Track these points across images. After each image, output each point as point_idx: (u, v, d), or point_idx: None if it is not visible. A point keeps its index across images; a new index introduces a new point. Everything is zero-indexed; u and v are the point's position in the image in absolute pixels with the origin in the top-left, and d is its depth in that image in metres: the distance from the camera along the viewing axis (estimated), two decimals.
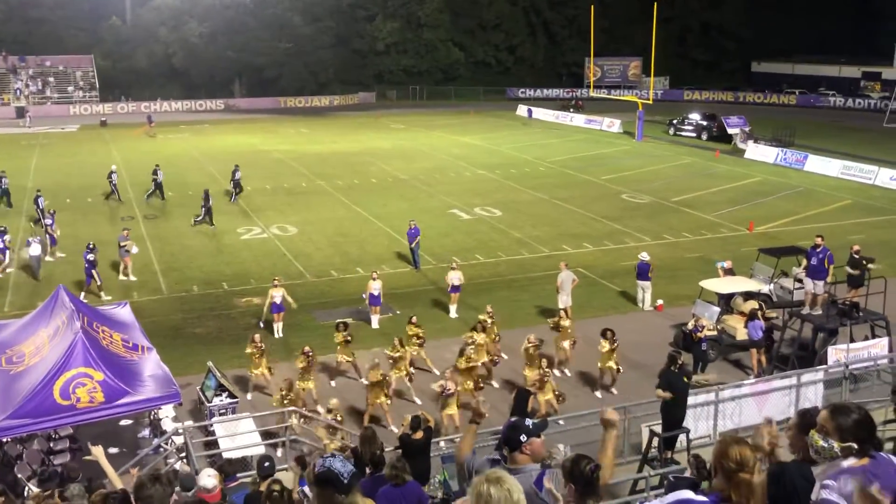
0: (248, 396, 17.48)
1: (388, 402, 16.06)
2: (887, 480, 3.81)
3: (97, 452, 6.51)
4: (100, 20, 76.72)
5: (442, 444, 13.83)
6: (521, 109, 71.98)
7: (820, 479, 3.98)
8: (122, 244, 25.17)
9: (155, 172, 35.75)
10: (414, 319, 18.90)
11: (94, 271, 23.72)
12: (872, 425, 4.08)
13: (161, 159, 46.17)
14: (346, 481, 4.16)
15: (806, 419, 4.61)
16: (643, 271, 22.69)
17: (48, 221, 27.94)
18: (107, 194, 35.93)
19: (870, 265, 20.40)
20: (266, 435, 14.80)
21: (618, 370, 17.66)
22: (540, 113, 69.17)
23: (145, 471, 5.53)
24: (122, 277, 25.33)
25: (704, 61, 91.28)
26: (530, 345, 16.95)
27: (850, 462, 3.85)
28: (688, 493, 4.05)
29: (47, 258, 26.58)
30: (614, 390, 17.72)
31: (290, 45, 76.66)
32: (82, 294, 23.07)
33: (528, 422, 4.86)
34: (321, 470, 4.29)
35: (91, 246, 23.87)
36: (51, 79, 72.64)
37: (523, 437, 4.69)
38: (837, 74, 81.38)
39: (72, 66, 74.07)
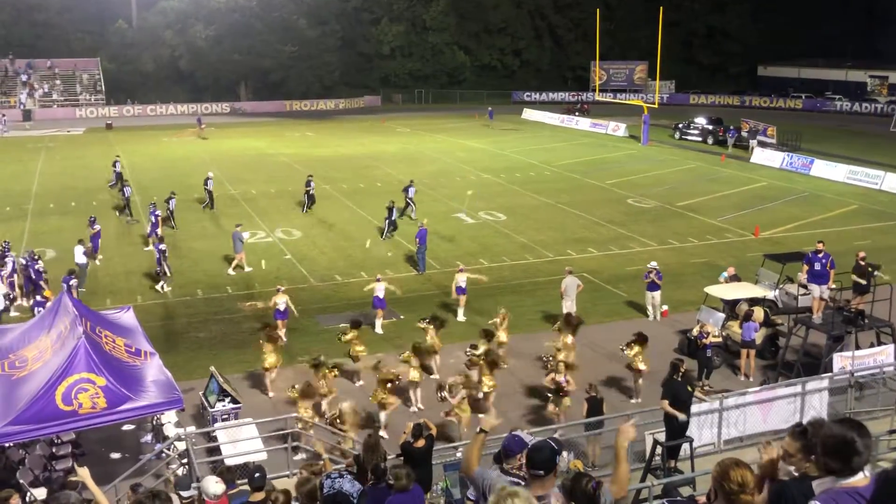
0: (271, 394, 17.73)
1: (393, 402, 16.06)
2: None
3: (83, 473, 6.45)
4: (106, 23, 76.99)
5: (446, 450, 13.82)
6: (527, 113, 71.97)
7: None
8: (243, 239, 26.25)
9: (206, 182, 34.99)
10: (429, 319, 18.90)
11: (165, 263, 24.51)
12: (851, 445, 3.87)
13: (167, 162, 46.41)
14: (354, 501, 4.12)
15: (807, 437, 4.55)
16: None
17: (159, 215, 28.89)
18: (203, 201, 35.36)
19: (876, 272, 20.26)
20: (272, 435, 14.77)
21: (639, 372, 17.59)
22: (545, 116, 69.17)
23: (141, 490, 5.47)
24: (230, 272, 26.21)
25: (710, 65, 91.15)
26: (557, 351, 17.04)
27: (846, 481, 3.73)
28: None
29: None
30: (640, 399, 17.61)
31: (295, 48, 76.81)
32: (161, 284, 24.44)
33: (550, 442, 4.68)
34: (330, 491, 4.25)
35: (161, 236, 25.37)
36: (57, 81, 72.84)
37: (558, 458, 4.56)
38: (844, 78, 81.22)
39: (78, 69, 74.26)
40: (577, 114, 69.38)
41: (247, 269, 26.51)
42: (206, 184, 34.71)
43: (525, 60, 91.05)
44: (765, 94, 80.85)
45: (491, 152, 51.10)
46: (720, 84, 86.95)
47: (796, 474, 4.60)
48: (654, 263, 22.47)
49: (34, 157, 48.54)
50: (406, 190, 34.04)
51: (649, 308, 22.39)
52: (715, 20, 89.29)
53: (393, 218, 30.46)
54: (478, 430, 6.05)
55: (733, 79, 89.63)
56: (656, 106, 57.15)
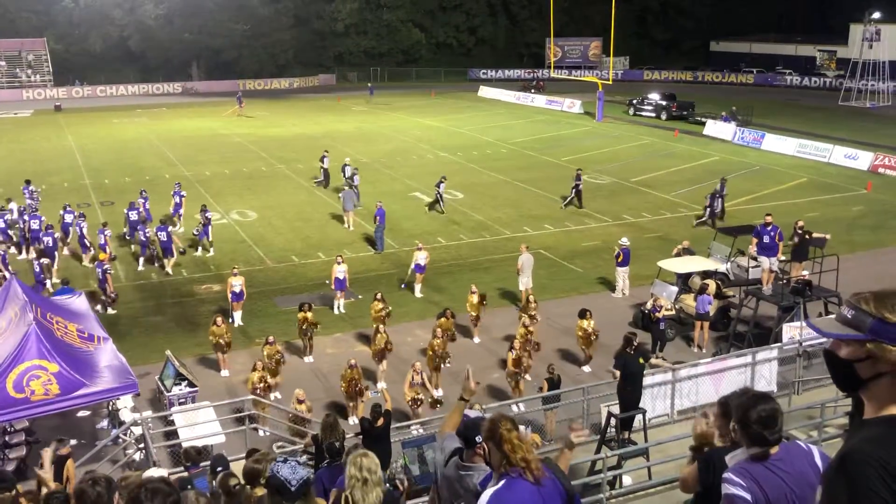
0: (225, 372, 17.84)
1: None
2: (798, 468, 3.71)
3: (44, 478, 6.34)
4: (52, 2, 74.88)
5: (414, 431, 13.96)
6: (483, 91, 71.94)
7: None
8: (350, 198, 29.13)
9: (321, 159, 35.12)
10: (379, 296, 18.93)
11: (207, 231, 26.17)
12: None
13: (118, 144, 45.58)
14: (292, 489, 4.14)
15: (728, 406, 4.71)
16: (627, 256, 22.24)
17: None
18: (317, 179, 35.54)
19: (816, 245, 20.58)
20: (230, 417, 14.74)
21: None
22: (501, 94, 69.19)
23: (83, 475, 5.42)
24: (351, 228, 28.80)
25: (664, 41, 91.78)
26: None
27: (753, 451, 3.78)
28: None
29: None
30: (588, 368, 17.96)
31: (247, 26, 75.70)
32: (199, 250, 26.07)
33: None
34: (269, 475, 4.27)
35: (203, 207, 26.72)
36: (2, 63, 70.89)
37: (479, 438, 4.66)
38: (794, 53, 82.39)
39: (24, 48, 72.28)
40: (532, 91, 69.52)
41: (351, 227, 28.63)
42: (321, 160, 34.95)
43: (480, 38, 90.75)
44: (717, 70, 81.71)
45: (447, 130, 51.04)
46: (673, 60, 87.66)
47: (720, 443, 4.76)
48: (625, 240, 22.62)
49: None
50: (350, 176, 33.09)
51: (619, 282, 22.48)
52: None
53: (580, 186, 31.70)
54: (459, 397, 6.08)
55: (686, 54, 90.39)
56: (611, 82, 57.43)
